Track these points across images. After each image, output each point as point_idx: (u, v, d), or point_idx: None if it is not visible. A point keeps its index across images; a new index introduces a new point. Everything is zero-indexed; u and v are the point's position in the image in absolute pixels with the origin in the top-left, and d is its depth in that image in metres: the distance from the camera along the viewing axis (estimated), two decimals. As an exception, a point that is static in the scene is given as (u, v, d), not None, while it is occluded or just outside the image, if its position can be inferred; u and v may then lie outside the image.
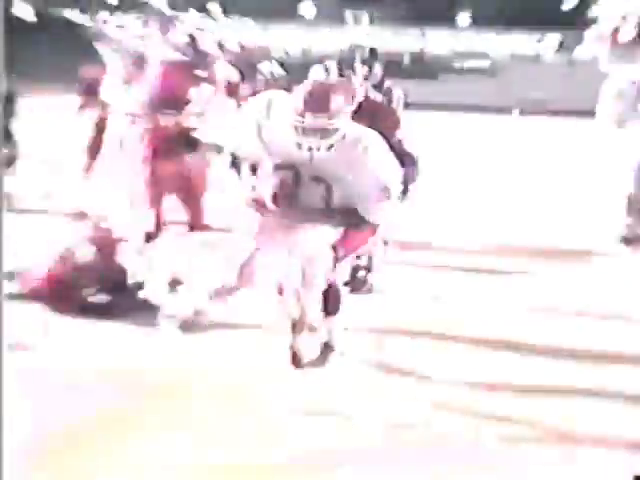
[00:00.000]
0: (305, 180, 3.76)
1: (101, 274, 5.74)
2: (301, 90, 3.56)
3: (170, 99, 5.43)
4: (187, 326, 4.80)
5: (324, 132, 3.62)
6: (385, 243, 5.66)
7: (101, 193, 6.12)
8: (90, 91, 6.60)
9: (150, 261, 5.64)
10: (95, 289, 5.64)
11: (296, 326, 4.05)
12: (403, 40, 24.35)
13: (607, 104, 7.60)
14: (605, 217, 6.92)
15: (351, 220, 3.79)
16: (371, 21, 22.70)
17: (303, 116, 3.54)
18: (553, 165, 11.25)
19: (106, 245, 5.87)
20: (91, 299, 5.56)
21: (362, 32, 21.20)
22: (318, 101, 3.59)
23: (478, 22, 25.33)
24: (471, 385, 4.08)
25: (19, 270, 5.59)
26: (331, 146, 3.64)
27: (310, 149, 3.65)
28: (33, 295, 5.59)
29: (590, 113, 7.99)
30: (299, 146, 3.64)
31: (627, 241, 6.23)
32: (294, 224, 3.84)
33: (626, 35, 7.22)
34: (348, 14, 21.64)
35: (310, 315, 4.07)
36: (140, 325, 5.01)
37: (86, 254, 5.70)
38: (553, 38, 22.86)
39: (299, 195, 3.77)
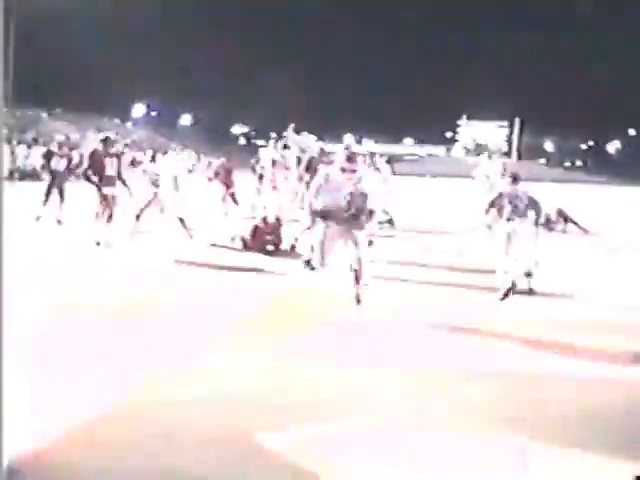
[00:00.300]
0: (352, 198, 6.86)
1: (273, 236, 10.80)
2: (344, 152, 7.48)
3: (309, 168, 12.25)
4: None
5: (352, 173, 6.84)
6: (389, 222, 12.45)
7: (276, 197, 12.72)
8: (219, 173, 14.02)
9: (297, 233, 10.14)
10: (270, 241, 10.79)
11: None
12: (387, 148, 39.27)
13: (478, 175, 15.38)
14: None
15: (365, 216, 6.89)
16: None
17: (344, 164, 6.88)
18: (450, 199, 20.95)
19: (277, 222, 10.99)
20: (267, 247, 10.75)
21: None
22: (350, 158, 6.91)
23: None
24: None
25: (236, 235, 11.09)
26: (358, 181, 6.85)
27: (350, 179, 6.82)
28: (245, 245, 10.86)
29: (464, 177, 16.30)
30: (348, 180, 6.84)
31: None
32: (344, 227, 6.83)
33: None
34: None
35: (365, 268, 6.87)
36: (286, 259, 9.58)
37: (271, 221, 10.96)
38: (442, 149, 40.79)
39: (350, 204, 6.85)
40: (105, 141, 10.40)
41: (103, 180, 10.15)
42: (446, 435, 3.92)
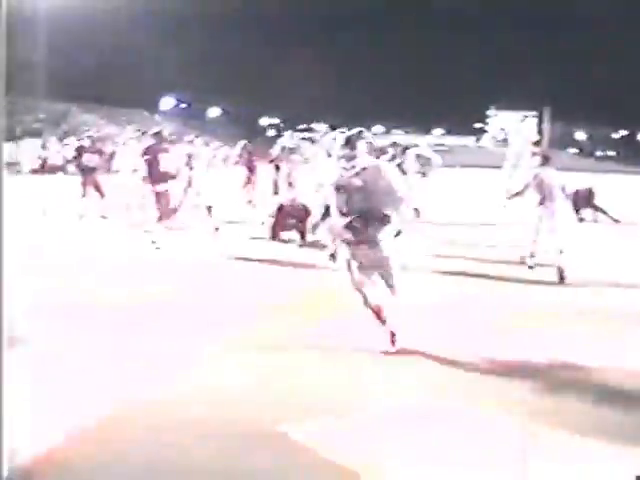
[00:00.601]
0: (350, 193, 5.14)
1: (298, 222, 10.76)
2: (341, 137, 5.32)
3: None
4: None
5: (351, 161, 5.18)
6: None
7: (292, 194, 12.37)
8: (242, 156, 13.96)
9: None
10: (293, 225, 10.89)
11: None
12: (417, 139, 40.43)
13: (507, 163, 15.25)
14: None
15: (376, 216, 5.11)
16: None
17: (339, 151, 5.27)
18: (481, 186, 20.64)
19: (305, 210, 10.66)
20: (291, 231, 10.90)
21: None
22: (348, 142, 5.23)
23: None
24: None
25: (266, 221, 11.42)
26: (357, 173, 5.11)
27: (345, 169, 5.16)
28: (273, 229, 11.18)
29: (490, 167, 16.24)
30: (343, 170, 5.19)
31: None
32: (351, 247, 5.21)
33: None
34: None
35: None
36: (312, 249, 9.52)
37: (297, 205, 10.99)
38: (471, 139, 42.34)
39: (350, 202, 5.12)
40: (157, 135, 10.15)
41: (157, 177, 9.66)
42: (460, 429, 3.82)
